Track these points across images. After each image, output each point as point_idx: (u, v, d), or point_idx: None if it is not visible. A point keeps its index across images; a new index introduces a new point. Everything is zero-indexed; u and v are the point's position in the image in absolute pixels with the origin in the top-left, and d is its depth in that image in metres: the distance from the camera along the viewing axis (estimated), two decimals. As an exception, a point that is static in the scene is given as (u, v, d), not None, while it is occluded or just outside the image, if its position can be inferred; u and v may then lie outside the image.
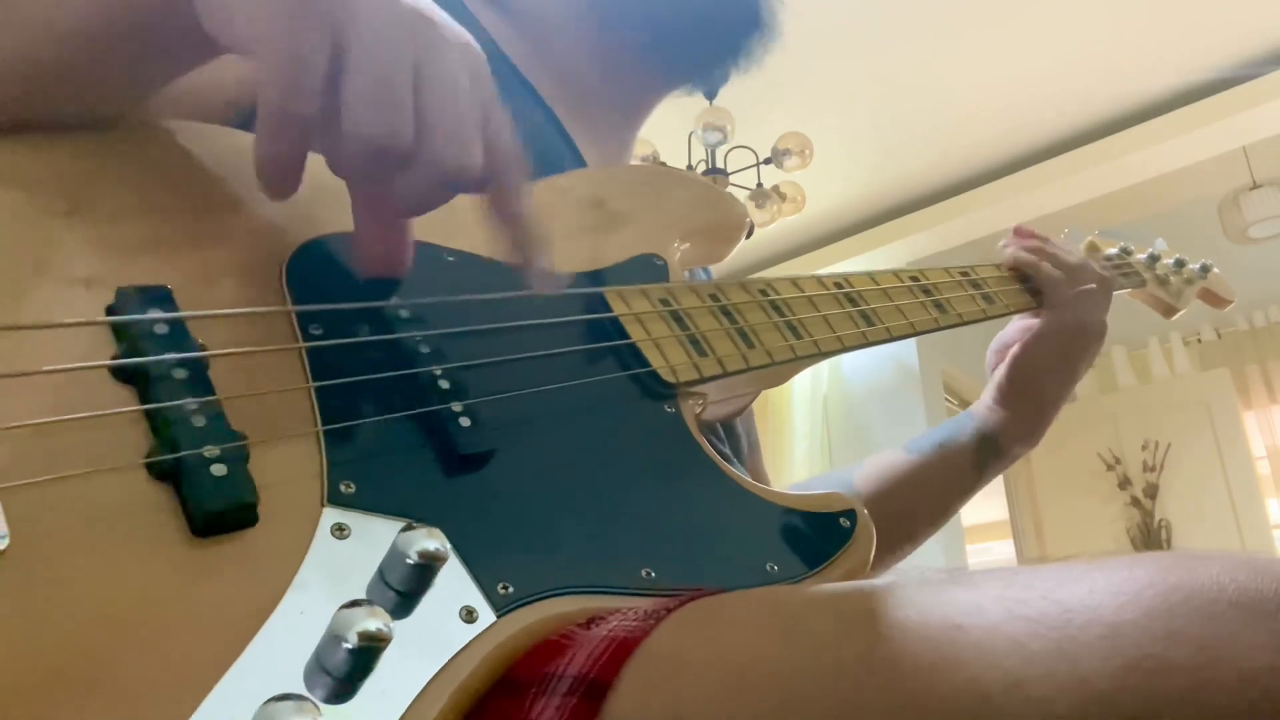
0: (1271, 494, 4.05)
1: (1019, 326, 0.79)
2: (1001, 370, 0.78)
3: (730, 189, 3.01)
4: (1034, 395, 0.76)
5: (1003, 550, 5.10)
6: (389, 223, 0.41)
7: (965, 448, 0.77)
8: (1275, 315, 4.28)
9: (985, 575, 0.30)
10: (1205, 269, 0.97)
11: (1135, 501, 4.09)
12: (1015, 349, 0.77)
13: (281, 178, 0.36)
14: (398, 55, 0.35)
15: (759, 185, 3.10)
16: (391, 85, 0.35)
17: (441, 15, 0.38)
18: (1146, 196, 3.52)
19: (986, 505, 4.75)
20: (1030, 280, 0.77)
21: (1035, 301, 0.77)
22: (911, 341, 3.63)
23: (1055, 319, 0.76)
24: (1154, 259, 0.95)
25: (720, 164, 3.00)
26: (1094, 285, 0.77)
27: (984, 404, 0.78)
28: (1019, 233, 0.81)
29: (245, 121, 0.51)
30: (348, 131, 0.34)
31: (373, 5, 0.35)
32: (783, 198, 3.10)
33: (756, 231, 3.41)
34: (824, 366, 4.01)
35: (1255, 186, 3.43)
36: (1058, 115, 3.27)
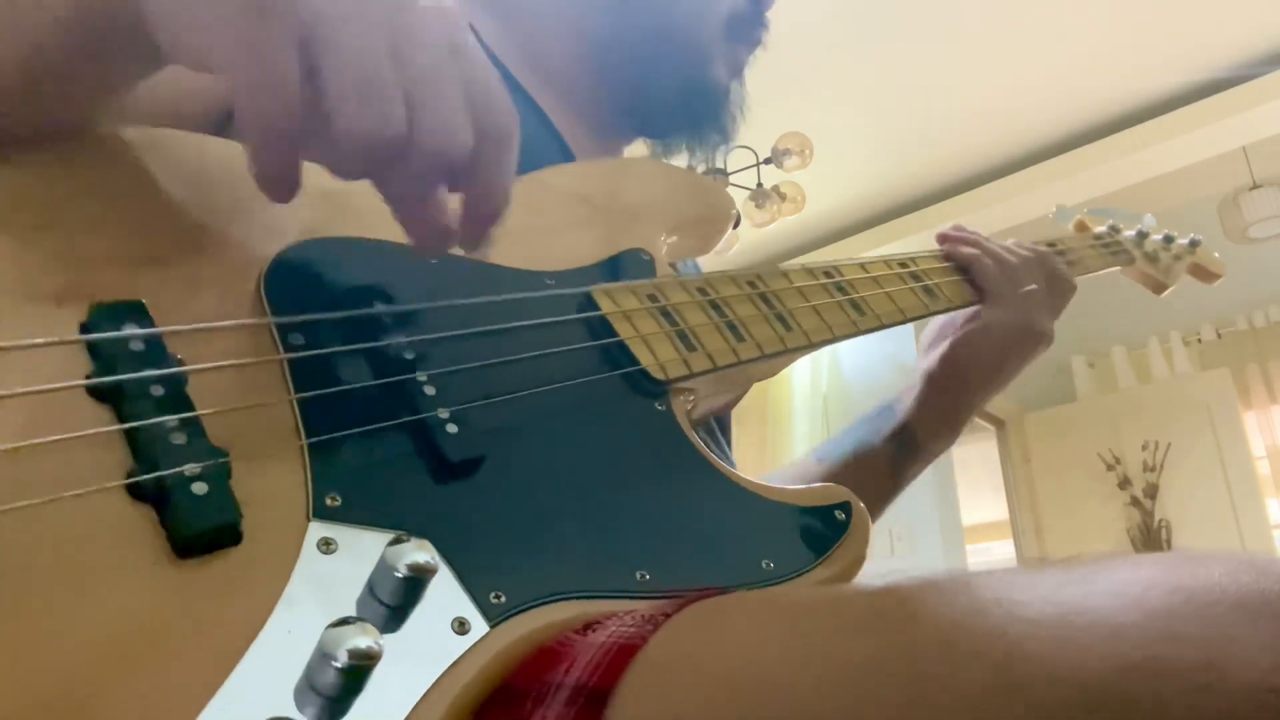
0: (1271, 494, 4.04)
1: (967, 314, 0.78)
2: (935, 355, 0.76)
3: (730, 189, 3.01)
4: (960, 387, 0.75)
5: (1003, 550, 5.10)
6: (424, 199, 0.38)
7: (879, 453, 0.74)
8: (1275, 315, 4.28)
9: (984, 577, 0.30)
10: (1194, 243, 0.97)
11: (1135, 501, 4.09)
12: (955, 335, 0.76)
13: (278, 186, 0.35)
14: (372, 45, 0.33)
15: (759, 185, 3.11)
16: (373, 76, 0.33)
17: None
18: (1146, 196, 3.52)
19: (986, 505, 4.75)
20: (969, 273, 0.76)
21: (977, 296, 0.76)
22: (910, 340, 3.62)
23: (999, 313, 0.75)
24: (1142, 236, 0.95)
25: (720, 164, 3.00)
26: (1035, 287, 0.76)
27: (909, 393, 0.76)
28: (948, 238, 0.79)
29: (223, 126, 0.50)
30: (342, 132, 0.33)
31: None
32: (783, 198, 3.11)
33: (757, 231, 3.41)
34: (824, 366, 4.01)
35: (1255, 186, 3.42)
36: (1058, 115, 3.27)
